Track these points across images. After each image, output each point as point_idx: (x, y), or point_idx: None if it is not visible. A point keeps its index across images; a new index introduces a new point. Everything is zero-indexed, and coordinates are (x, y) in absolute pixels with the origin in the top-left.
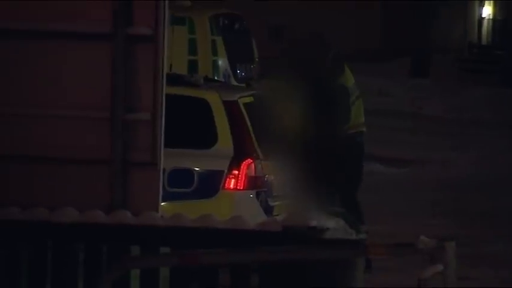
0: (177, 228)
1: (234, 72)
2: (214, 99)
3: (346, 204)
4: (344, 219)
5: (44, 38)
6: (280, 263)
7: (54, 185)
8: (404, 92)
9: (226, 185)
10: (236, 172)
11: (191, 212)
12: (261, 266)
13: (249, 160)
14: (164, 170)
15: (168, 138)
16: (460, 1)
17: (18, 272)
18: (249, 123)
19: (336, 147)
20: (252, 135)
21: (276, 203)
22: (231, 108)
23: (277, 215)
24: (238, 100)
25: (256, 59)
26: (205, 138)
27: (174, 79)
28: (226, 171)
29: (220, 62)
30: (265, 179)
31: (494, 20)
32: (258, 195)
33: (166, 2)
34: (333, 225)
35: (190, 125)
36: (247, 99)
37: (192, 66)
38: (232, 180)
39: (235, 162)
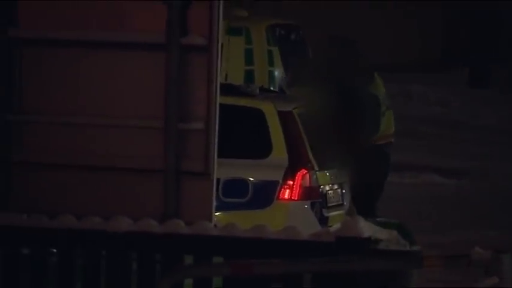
0: (230, 238)
1: None
2: (269, 109)
3: (364, 213)
4: (398, 231)
5: (98, 48)
6: (334, 274)
7: (108, 194)
8: (463, 102)
9: (280, 195)
10: (291, 182)
11: (245, 222)
12: (314, 277)
13: (304, 170)
14: (219, 179)
15: (223, 148)
16: None
17: (72, 280)
18: (303, 134)
19: (363, 157)
20: (307, 145)
21: (331, 213)
22: (285, 118)
23: (332, 226)
24: (293, 110)
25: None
26: (260, 148)
27: (230, 89)
28: (280, 181)
29: (276, 73)
30: (320, 189)
31: None
32: (312, 205)
33: (221, 12)
34: (386, 237)
35: (245, 135)
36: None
37: (249, 76)
38: (287, 191)
39: (290, 173)
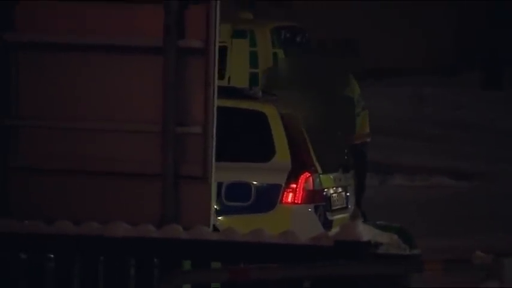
0: (228, 243)
1: None
2: (271, 112)
3: None
4: (398, 234)
5: (95, 52)
6: (333, 278)
7: (106, 199)
8: (476, 104)
9: (283, 199)
10: (294, 186)
11: (248, 226)
12: (313, 281)
13: (307, 174)
14: (221, 183)
15: (226, 151)
16: None
17: (70, 286)
18: (306, 137)
19: (341, 156)
20: (310, 148)
21: (335, 217)
22: (288, 121)
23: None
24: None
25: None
26: (263, 151)
27: (232, 92)
28: (283, 185)
29: None
30: (324, 192)
31: None
32: (316, 209)
33: (218, 15)
34: (387, 240)
35: (248, 138)
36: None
37: (253, 79)
38: (290, 194)
39: (293, 176)
